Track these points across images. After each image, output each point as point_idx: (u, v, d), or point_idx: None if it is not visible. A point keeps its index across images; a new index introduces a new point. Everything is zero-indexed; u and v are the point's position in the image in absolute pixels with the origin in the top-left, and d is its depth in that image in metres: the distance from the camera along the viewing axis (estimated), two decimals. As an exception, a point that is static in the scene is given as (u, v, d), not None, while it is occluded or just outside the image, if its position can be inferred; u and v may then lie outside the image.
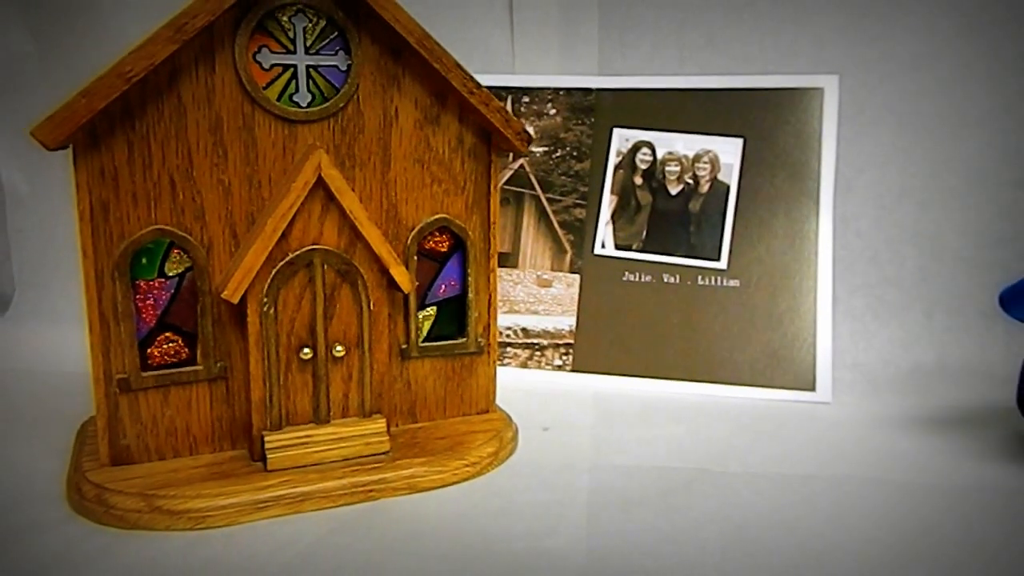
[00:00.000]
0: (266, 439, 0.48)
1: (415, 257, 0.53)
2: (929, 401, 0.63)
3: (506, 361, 0.71)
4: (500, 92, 0.75)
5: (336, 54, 0.49)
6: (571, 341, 0.71)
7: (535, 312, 0.72)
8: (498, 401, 0.58)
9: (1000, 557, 0.43)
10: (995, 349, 0.66)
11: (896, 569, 0.41)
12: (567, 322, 0.71)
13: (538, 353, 0.71)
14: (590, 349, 0.70)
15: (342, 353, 0.49)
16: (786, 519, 0.46)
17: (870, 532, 0.45)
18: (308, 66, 0.48)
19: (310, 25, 0.48)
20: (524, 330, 0.72)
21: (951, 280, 0.68)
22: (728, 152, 0.71)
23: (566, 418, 0.61)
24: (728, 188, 0.70)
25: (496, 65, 0.77)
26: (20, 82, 0.82)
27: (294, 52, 0.48)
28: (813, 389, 0.65)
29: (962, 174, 0.69)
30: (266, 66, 0.47)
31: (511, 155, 0.74)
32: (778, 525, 0.46)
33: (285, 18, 0.47)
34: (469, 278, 0.55)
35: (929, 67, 0.69)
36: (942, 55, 0.69)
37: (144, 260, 0.47)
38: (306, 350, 0.49)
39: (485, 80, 0.74)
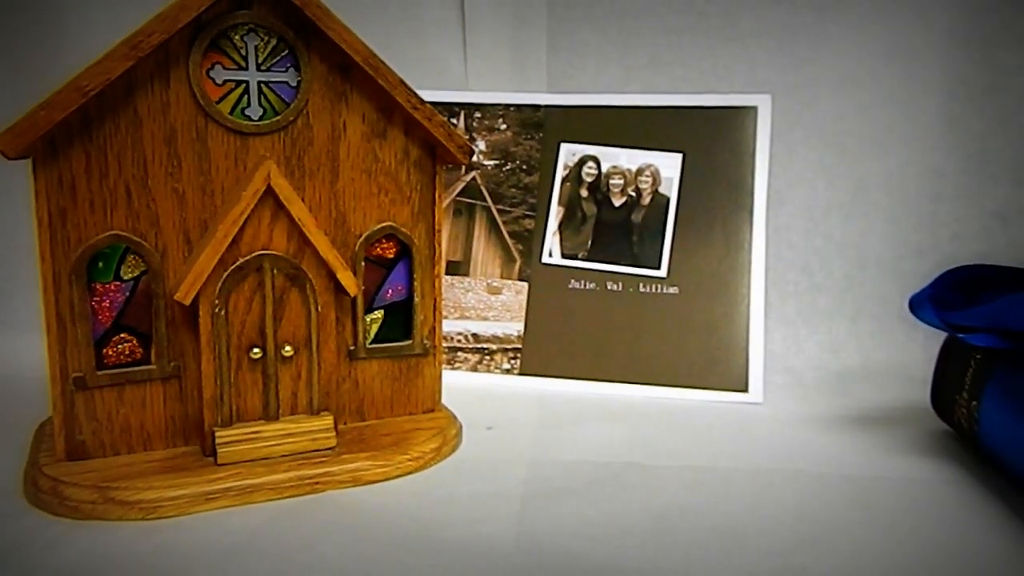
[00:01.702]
0: (217, 435, 0.51)
1: (363, 263, 0.56)
2: (854, 401, 0.67)
3: (456, 365, 0.74)
4: (453, 107, 0.78)
5: (287, 71, 0.52)
6: (519, 346, 0.74)
7: (485, 318, 0.75)
8: (448, 403, 0.61)
9: (908, 540, 0.46)
10: (915, 353, 0.70)
11: (807, 551, 0.45)
12: (515, 328, 0.74)
13: (487, 357, 0.74)
14: (537, 353, 0.73)
15: (291, 353, 0.52)
16: (707, 507, 0.49)
17: (784, 518, 0.48)
18: (260, 82, 0.51)
19: (261, 43, 0.51)
20: (474, 335, 0.75)
21: (875, 288, 0.73)
22: (668, 166, 0.75)
23: (511, 418, 0.64)
24: (668, 200, 0.74)
25: (450, 82, 0.80)
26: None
27: (246, 69, 0.51)
28: (746, 390, 0.69)
29: (884, 189, 0.73)
30: (219, 81, 0.50)
31: (463, 168, 0.77)
32: (698, 512, 0.49)
33: (237, 37, 0.50)
34: (415, 283, 0.58)
35: (854, 89, 0.74)
36: (866, 78, 0.73)
37: (100, 264, 0.49)
38: (256, 350, 0.51)
39: (439, 96, 0.78)
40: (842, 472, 0.55)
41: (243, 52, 0.50)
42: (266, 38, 0.51)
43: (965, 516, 0.49)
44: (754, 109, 0.74)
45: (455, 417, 0.60)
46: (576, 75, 0.78)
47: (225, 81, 0.50)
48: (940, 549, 0.45)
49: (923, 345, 0.70)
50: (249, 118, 0.51)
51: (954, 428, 0.60)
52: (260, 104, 0.51)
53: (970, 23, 0.72)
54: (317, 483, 0.51)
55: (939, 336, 0.63)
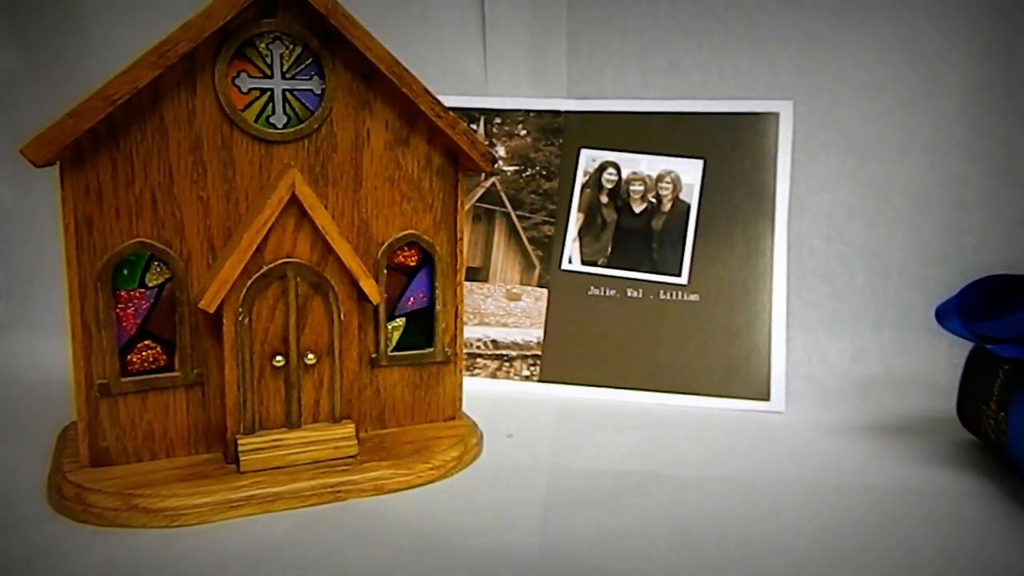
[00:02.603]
0: (239, 442, 0.51)
1: (385, 271, 0.56)
2: (876, 410, 0.67)
3: (476, 372, 0.74)
4: (473, 113, 0.78)
5: (311, 79, 0.52)
6: (539, 352, 0.74)
7: (504, 325, 0.75)
8: (467, 410, 0.61)
9: (932, 552, 0.46)
10: (938, 362, 0.69)
11: (829, 562, 0.44)
12: (535, 334, 0.74)
13: (507, 364, 0.74)
14: (557, 360, 0.73)
15: (313, 361, 0.52)
16: (728, 516, 0.49)
17: (805, 529, 0.48)
18: (284, 90, 0.51)
19: (286, 52, 0.51)
20: (494, 342, 0.74)
21: (898, 296, 0.72)
22: (689, 173, 0.74)
23: (531, 425, 0.64)
24: (689, 207, 0.74)
25: (470, 88, 0.80)
26: (8, 98, 0.85)
27: (271, 77, 0.51)
28: (767, 399, 0.69)
29: (907, 195, 0.73)
30: (244, 90, 0.50)
31: (483, 174, 0.77)
32: (720, 521, 0.48)
33: (263, 45, 0.50)
34: (436, 291, 0.58)
35: (876, 95, 0.73)
36: (888, 84, 0.73)
37: (126, 271, 0.49)
38: (279, 358, 0.51)
39: (459, 102, 0.78)
40: (865, 482, 0.54)
41: (268, 60, 0.50)
42: (291, 46, 0.51)
43: (991, 528, 0.48)
44: (775, 115, 0.74)
45: (476, 425, 0.60)
46: (596, 80, 0.78)
47: (250, 89, 0.50)
48: (965, 562, 0.45)
49: (946, 354, 0.69)
50: (274, 126, 0.51)
51: (980, 439, 0.60)
52: (285, 112, 0.51)
53: (992, 27, 0.72)
54: (339, 491, 0.51)
55: (962, 344, 0.62)
